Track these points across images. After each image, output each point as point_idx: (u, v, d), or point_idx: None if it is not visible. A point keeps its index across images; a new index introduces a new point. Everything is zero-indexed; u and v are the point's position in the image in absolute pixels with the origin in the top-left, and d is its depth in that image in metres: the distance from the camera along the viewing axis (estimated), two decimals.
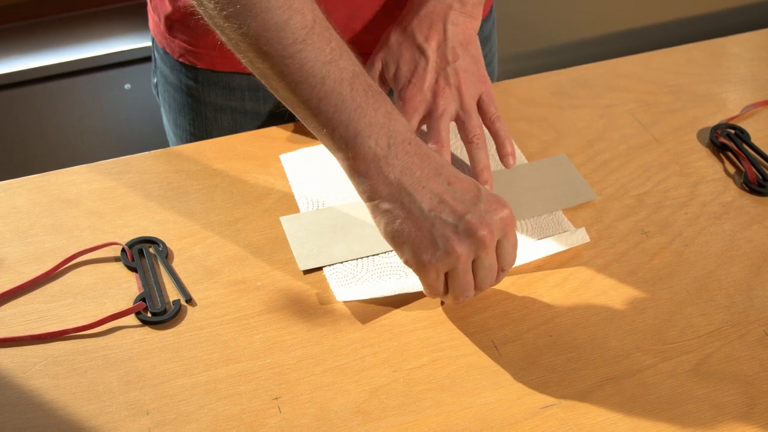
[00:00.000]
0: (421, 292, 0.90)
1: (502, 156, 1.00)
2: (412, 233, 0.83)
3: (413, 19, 1.02)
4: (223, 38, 0.87)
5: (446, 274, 0.84)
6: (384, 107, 0.85)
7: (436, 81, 0.99)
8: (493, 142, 1.03)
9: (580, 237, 0.97)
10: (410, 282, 0.91)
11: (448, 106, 0.98)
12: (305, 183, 1.04)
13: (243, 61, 0.87)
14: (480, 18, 1.04)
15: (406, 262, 0.84)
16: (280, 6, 0.81)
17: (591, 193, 1.03)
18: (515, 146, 1.09)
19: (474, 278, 0.84)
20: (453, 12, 1.01)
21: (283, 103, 0.88)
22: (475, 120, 0.98)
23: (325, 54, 0.83)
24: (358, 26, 1.10)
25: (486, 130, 1.03)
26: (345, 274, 0.94)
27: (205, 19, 0.87)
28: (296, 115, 0.88)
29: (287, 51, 0.82)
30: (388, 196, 0.84)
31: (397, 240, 0.84)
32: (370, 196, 0.85)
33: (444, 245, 0.82)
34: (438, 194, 0.83)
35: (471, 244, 0.82)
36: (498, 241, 0.84)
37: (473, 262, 0.84)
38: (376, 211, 0.85)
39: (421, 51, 1.00)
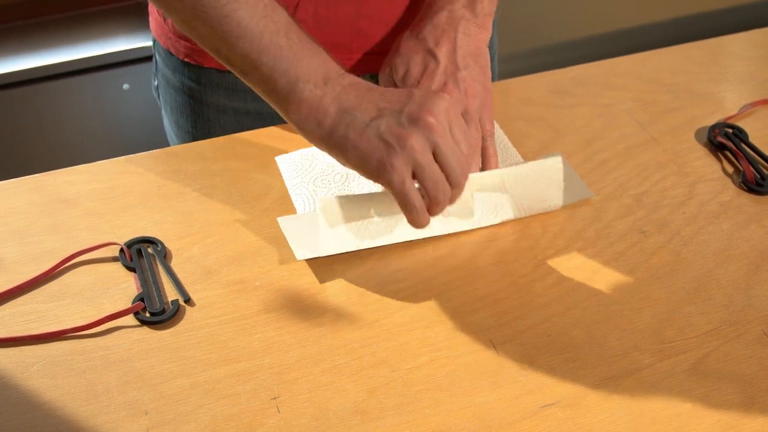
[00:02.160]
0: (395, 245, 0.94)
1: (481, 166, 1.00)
2: (365, 147, 0.87)
3: (425, 26, 1.02)
4: (163, 8, 0.91)
5: (417, 179, 0.87)
6: (317, 54, 0.90)
7: (445, 83, 0.98)
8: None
9: (582, 191, 1.00)
10: (375, 231, 0.95)
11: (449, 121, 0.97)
12: (301, 184, 1.04)
13: (183, 28, 0.92)
14: (491, 29, 1.04)
15: (373, 178, 0.87)
16: None
17: (588, 190, 1.03)
18: (511, 145, 1.10)
19: (444, 171, 0.87)
20: (464, 22, 1.01)
21: (225, 64, 0.92)
22: (473, 130, 0.98)
23: (259, 10, 0.88)
24: (364, 25, 1.10)
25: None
26: (304, 230, 0.95)
27: None
28: (238, 74, 0.92)
29: (224, 11, 0.87)
30: (333, 125, 0.88)
31: (356, 161, 0.88)
32: (320, 136, 0.89)
33: (396, 142, 0.85)
34: (375, 104, 0.88)
35: (420, 132, 0.85)
36: (450, 130, 0.88)
37: (435, 155, 0.86)
38: (329, 146, 0.90)
39: (432, 55, 1.00)
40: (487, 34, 1.04)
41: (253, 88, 0.93)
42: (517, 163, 1.05)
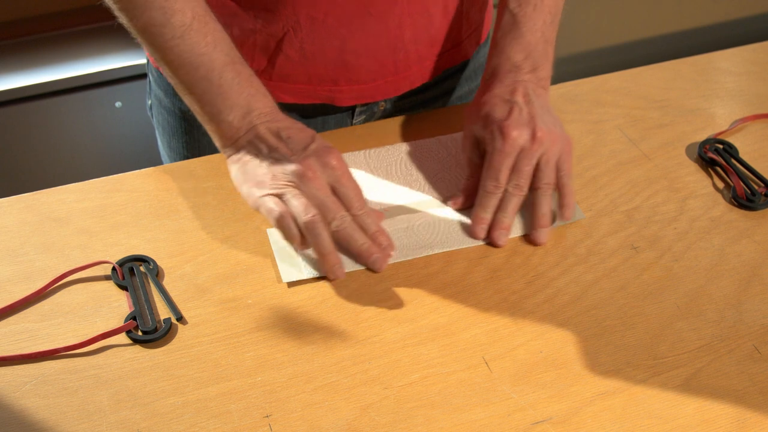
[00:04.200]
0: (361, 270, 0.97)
1: (562, 206, 1.02)
2: (248, 175, 0.97)
3: (495, 88, 1.05)
4: (121, 20, 1.00)
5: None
6: (247, 91, 0.99)
7: (534, 123, 1.00)
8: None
9: (575, 214, 1.02)
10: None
11: (540, 149, 0.99)
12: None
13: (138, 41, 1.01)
14: (549, 92, 1.08)
15: (252, 204, 0.97)
16: (161, 7, 0.95)
17: (579, 212, 1.03)
18: None
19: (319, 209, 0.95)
20: (531, 84, 1.05)
21: (168, 79, 1.03)
22: (550, 170, 1.00)
23: (200, 47, 0.97)
24: (350, 58, 1.11)
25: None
26: (291, 254, 0.98)
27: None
28: (177, 91, 1.02)
29: (167, 44, 0.97)
30: (240, 150, 0.99)
31: (237, 182, 0.99)
32: (228, 156, 1.01)
33: (269, 180, 0.95)
34: (274, 143, 0.97)
35: (293, 176, 0.94)
36: (333, 188, 0.95)
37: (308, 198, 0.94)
38: (229, 166, 1.00)
39: (513, 102, 1.03)
40: (548, 97, 1.07)
41: (187, 105, 1.03)
42: None
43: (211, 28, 0.99)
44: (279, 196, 0.95)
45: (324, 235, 0.93)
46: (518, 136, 0.99)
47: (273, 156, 0.96)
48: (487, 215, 1.00)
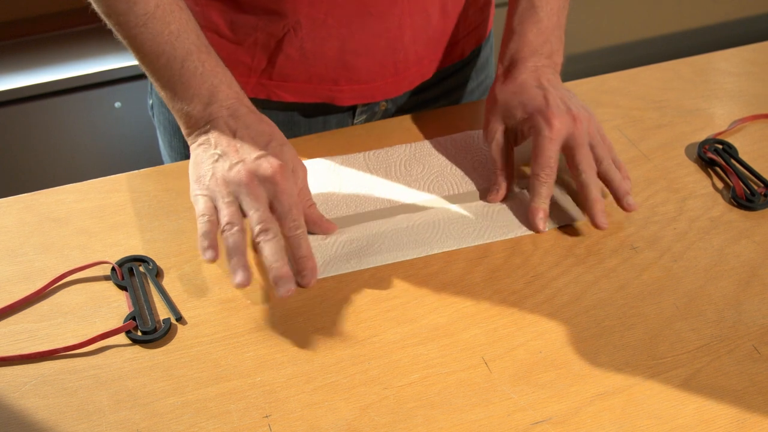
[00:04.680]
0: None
1: (626, 178, 1.03)
2: (196, 168, 0.95)
3: (520, 75, 1.05)
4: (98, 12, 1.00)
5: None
6: (209, 81, 0.98)
7: (569, 107, 1.01)
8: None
9: (574, 214, 1.02)
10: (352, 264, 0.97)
11: (584, 131, 1.00)
12: None
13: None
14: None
15: (191, 198, 0.95)
16: None
17: (579, 213, 1.03)
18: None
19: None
20: (549, 69, 1.06)
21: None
22: (605, 145, 1.02)
23: (162, 36, 0.97)
24: (350, 58, 1.11)
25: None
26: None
27: None
28: (150, 80, 1.03)
29: (131, 32, 0.97)
30: (196, 142, 0.98)
31: (189, 172, 0.97)
32: (190, 144, 0.99)
33: (209, 180, 0.93)
34: (225, 146, 0.95)
35: (233, 184, 0.92)
36: (271, 203, 0.92)
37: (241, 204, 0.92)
38: (190, 153, 0.99)
39: (542, 87, 1.03)
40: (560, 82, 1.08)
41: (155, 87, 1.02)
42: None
43: (176, 17, 0.98)
44: (212, 199, 0.93)
45: (237, 241, 0.90)
46: (562, 122, 0.99)
47: (222, 158, 0.94)
48: (545, 205, 1.01)
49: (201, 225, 0.91)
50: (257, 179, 0.92)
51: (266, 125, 0.98)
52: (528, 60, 1.05)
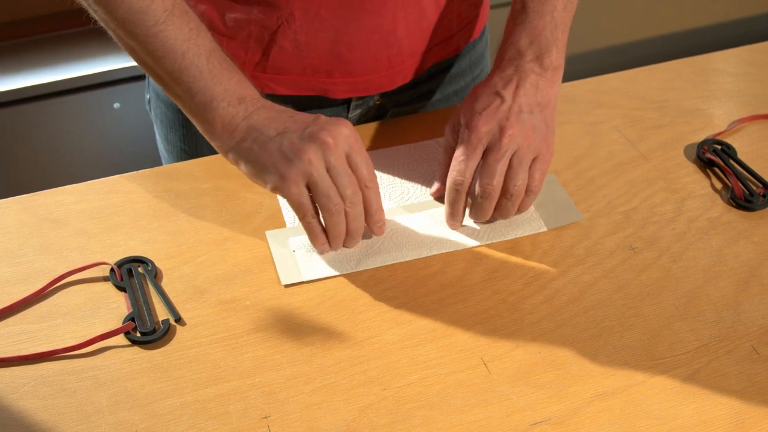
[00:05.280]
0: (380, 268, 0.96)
1: (503, 215, 1.01)
2: (265, 157, 0.92)
3: (494, 78, 1.03)
4: (95, 17, 0.96)
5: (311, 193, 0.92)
6: (236, 77, 0.96)
7: (507, 119, 0.98)
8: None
9: (573, 215, 1.02)
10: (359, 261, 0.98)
11: (511, 146, 0.97)
12: None
13: (113, 36, 0.97)
14: (559, 84, 1.05)
15: (273, 189, 0.92)
16: None
17: (578, 214, 1.03)
18: None
19: (336, 187, 0.92)
20: (533, 75, 1.02)
21: (150, 76, 0.98)
22: (523, 172, 0.98)
23: (184, 33, 0.94)
24: (344, 51, 1.11)
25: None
26: (289, 257, 0.97)
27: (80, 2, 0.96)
28: (163, 88, 0.98)
29: (150, 31, 0.93)
30: (241, 140, 0.94)
31: (257, 172, 0.93)
32: (229, 147, 0.95)
33: (293, 154, 0.91)
34: (282, 124, 0.94)
35: (316, 148, 0.91)
36: (348, 156, 0.93)
37: (329, 172, 0.92)
38: (234, 157, 0.95)
39: (498, 95, 1.00)
40: (556, 89, 1.04)
41: (175, 101, 0.98)
42: None
43: (192, 16, 0.96)
44: (304, 180, 0.91)
45: (342, 222, 0.94)
46: (487, 130, 0.98)
47: (285, 135, 0.93)
48: (453, 210, 1.00)
49: (305, 209, 0.93)
50: (335, 136, 0.92)
51: (298, 112, 0.98)
52: (509, 63, 1.03)
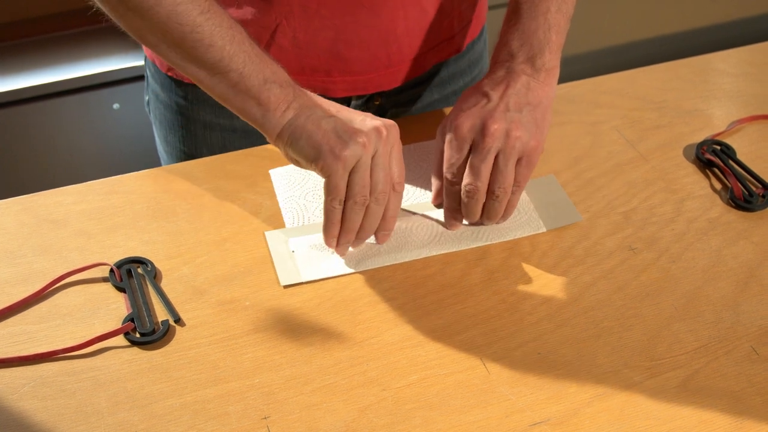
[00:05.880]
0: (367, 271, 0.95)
1: (491, 217, 1.00)
2: (319, 134, 0.92)
3: (485, 80, 1.03)
4: (126, 27, 0.95)
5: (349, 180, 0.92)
6: (275, 63, 0.96)
7: (491, 116, 0.97)
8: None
9: (572, 216, 1.02)
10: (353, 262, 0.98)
11: (495, 144, 0.96)
12: (292, 198, 1.04)
13: (150, 46, 0.95)
14: (554, 86, 1.04)
15: (322, 169, 0.91)
16: None
17: (577, 215, 1.03)
18: None
19: (372, 180, 0.93)
20: (525, 76, 1.01)
21: (192, 78, 0.96)
22: (509, 173, 0.97)
23: (225, 20, 0.93)
24: (343, 49, 1.11)
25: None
26: (288, 258, 0.97)
27: (108, 13, 0.94)
28: (202, 79, 0.95)
29: (197, 20, 0.91)
30: (294, 117, 0.94)
31: (307, 148, 0.92)
32: (282, 127, 0.94)
33: (348, 135, 0.91)
34: (335, 106, 0.95)
35: (371, 134, 0.91)
36: (390, 153, 0.94)
37: (372, 161, 0.92)
38: (288, 135, 0.94)
39: (486, 95, 1.00)
40: (549, 90, 1.03)
41: (215, 94, 0.96)
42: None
43: (220, 6, 0.95)
44: (353, 162, 0.91)
45: (360, 214, 0.94)
46: (469, 128, 0.98)
47: (339, 116, 0.93)
48: (451, 210, 1.01)
49: (339, 190, 0.93)
50: (386, 128, 0.93)
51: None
52: (500, 66, 1.03)
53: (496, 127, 0.96)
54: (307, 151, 0.92)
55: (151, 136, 1.36)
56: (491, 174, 0.97)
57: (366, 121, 0.93)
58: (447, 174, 0.99)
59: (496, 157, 0.97)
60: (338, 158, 0.90)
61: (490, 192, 0.98)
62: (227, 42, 0.93)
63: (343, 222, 0.94)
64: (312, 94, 0.97)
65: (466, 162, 0.98)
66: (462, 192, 0.98)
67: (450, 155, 0.99)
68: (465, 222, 1.02)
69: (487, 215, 1.00)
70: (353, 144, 0.90)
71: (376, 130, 0.92)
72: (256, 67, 0.94)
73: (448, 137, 0.99)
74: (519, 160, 0.97)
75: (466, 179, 0.97)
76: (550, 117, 1.02)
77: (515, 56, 1.02)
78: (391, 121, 0.94)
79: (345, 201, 0.93)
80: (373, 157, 0.92)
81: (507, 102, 0.99)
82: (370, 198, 0.93)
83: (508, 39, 1.03)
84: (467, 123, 0.98)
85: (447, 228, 1.02)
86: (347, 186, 0.92)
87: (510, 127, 0.97)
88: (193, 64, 0.94)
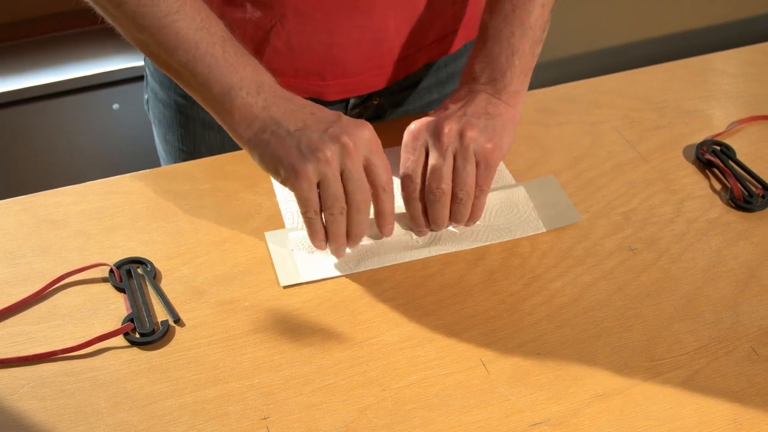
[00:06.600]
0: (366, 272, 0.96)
1: (458, 220, 1.00)
2: (281, 151, 0.91)
3: (449, 97, 1.03)
4: (103, 14, 0.95)
5: (319, 192, 0.91)
6: (252, 64, 0.94)
7: (447, 118, 0.98)
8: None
9: (572, 216, 1.02)
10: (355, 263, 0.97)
11: (451, 144, 0.96)
12: (292, 198, 1.04)
13: (123, 33, 0.96)
14: (519, 107, 1.04)
15: (283, 182, 0.92)
16: None
17: (577, 215, 1.03)
18: (503, 165, 1.10)
19: (345, 191, 0.92)
20: (485, 95, 1.02)
21: (164, 70, 0.96)
22: (467, 175, 0.97)
23: (196, 22, 0.92)
24: (337, 52, 1.11)
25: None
26: (288, 258, 0.97)
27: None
28: (177, 80, 0.96)
29: (162, 22, 0.91)
30: (259, 130, 0.93)
31: (270, 163, 0.92)
32: (248, 138, 0.94)
33: (311, 151, 0.90)
34: (302, 120, 0.93)
35: (336, 149, 0.90)
36: (367, 159, 0.92)
37: (342, 176, 0.91)
38: (250, 148, 0.94)
39: (445, 107, 1.01)
40: (511, 111, 1.02)
41: (190, 93, 0.97)
42: (509, 186, 1.06)
43: (202, 5, 0.94)
44: (317, 178, 0.90)
45: (342, 224, 0.93)
46: (424, 127, 0.98)
47: (304, 132, 0.92)
48: (413, 216, 1.00)
49: (311, 204, 0.92)
50: (354, 140, 0.91)
51: (318, 106, 0.97)
52: (463, 86, 1.04)
53: (450, 127, 0.97)
54: (272, 167, 0.93)
55: (150, 137, 1.36)
56: (453, 178, 0.97)
57: (334, 134, 0.91)
58: (403, 178, 0.99)
59: (455, 160, 0.97)
60: (300, 176, 0.90)
61: (453, 196, 0.98)
62: (192, 46, 0.92)
63: (327, 231, 0.94)
64: (287, 98, 0.95)
65: (420, 164, 0.98)
66: (427, 198, 0.98)
67: (405, 158, 0.99)
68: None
69: (455, 220, 0.99)
70: (314, 161, 0.90)
71: (342, 145, 0.90)
72: (223, 72, 0.93)
73: (403, 141, 0.99)
74: (477, 164, 0.97)
75: (431, 183, 0.97)
76: (512, 132, 1.02)
77: (477, 78, 1.04)
78: (360, 129, 0.92)
79: (323, 212, 0.93)
80: (343, 171, 0.91)
81: (465, 111, 1.00)
82: (350, 208, 0.93)
83: (473, 62, 1.05)
84: (422, 125, 0.98)
85: (416, 235, 1.01)
86: (321, 199, 0.92)
87: (464, 127, 0.97)
88: (163, 66, 0.96)
